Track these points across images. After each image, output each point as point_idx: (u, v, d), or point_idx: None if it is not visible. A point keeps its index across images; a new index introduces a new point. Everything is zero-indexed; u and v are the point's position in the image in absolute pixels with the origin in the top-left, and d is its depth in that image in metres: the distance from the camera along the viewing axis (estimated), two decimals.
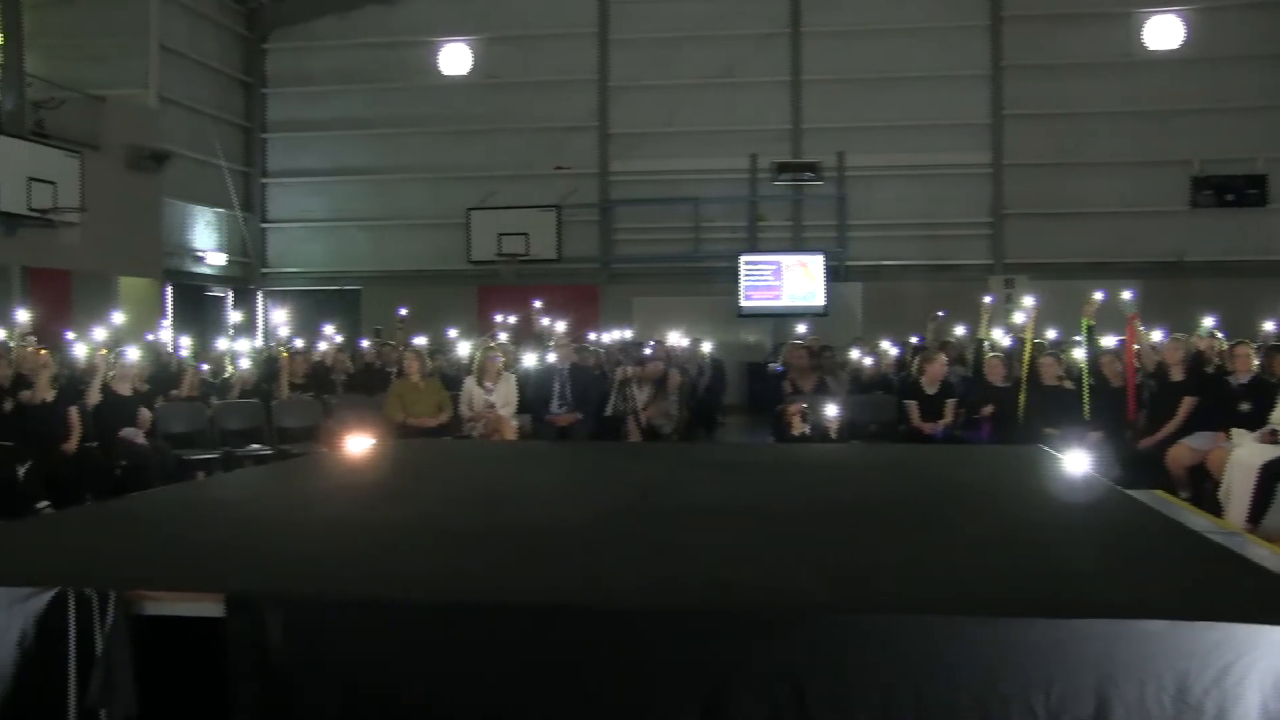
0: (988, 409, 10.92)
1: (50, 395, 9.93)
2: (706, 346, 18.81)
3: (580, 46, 23.19)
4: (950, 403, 11.25)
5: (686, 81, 22.69)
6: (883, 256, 22.54)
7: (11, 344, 12.04)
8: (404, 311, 18.00)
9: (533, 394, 11.47)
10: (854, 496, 5.77)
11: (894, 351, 14.79)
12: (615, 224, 23.48)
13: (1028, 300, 12.28)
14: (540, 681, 3.27)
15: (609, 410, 11.96)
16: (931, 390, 11.32)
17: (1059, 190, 21.99)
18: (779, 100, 22.80)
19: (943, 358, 11.83)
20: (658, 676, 3.22)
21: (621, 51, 23.20)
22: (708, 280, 22.66)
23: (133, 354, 11.32)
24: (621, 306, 22.78)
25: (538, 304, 17.01)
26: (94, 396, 10.28)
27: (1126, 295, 13.71)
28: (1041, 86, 22.01)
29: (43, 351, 10.74)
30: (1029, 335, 11.31)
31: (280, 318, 17.54)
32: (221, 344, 16.42)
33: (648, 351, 14.32)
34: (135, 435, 10.26)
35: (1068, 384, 10.82)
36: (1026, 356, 10.86)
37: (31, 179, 15.46)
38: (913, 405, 11.28)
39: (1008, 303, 19.77)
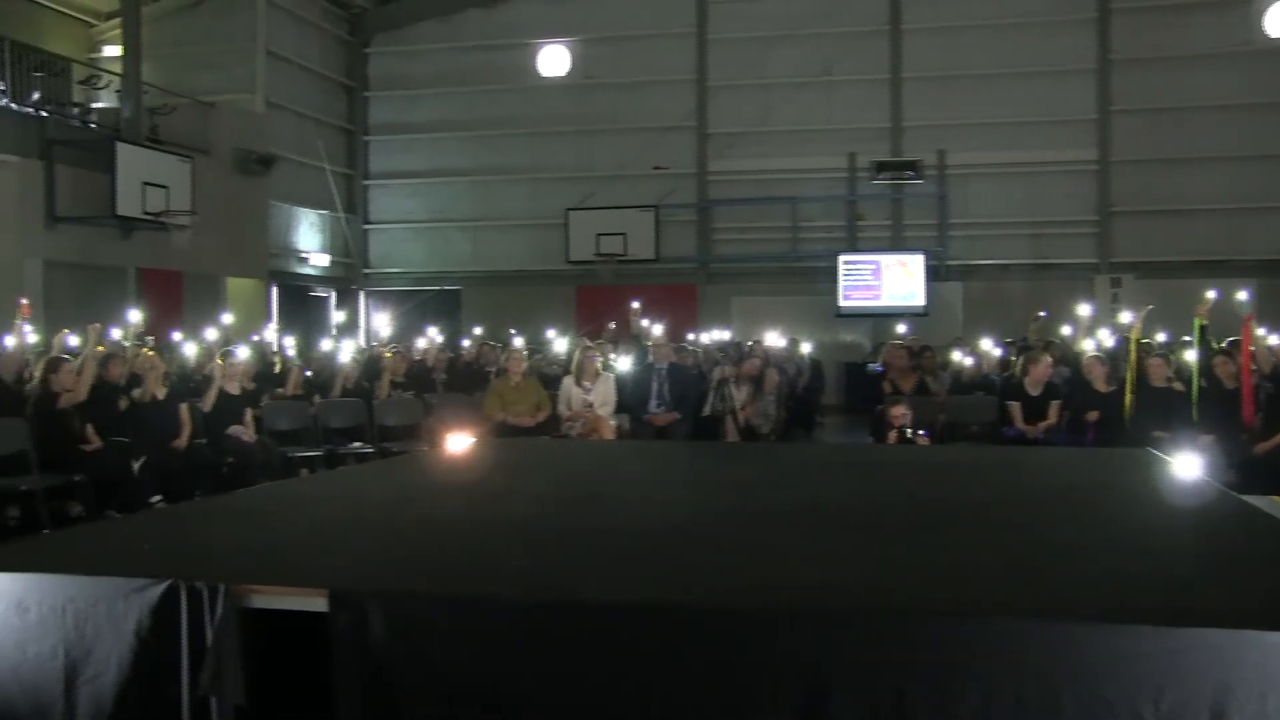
0: (1093, 415, 10.67)
1: (161, 393, 10.20)
2: (805, 347, 18.69)
3: (678, 46, 23.19)
4: (1054, 404, 11.02)
5: (784, 80, 22.55)
6: (984, 256, 22.17)
7: (127, 344, 12.39)
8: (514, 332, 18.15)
9: (631, 394, 11.48)
10: (954, 498, 5.67)
11: (995, 352, 14.53)
12: (713, 224, 23.43)
13: (1125, 317, 11.95)
14: (636, 682, 3.26)
15: (707, 410, 11.93)
16: (1035, 392, 11.10)
17: (1168, 186, 21.39)
18: (878, 98, 22.56)
19: (1047, 358, 11.60)
20: (754, 679, 3.19)
21: (719, 51, 23.14)
22: (806, 280, 22.52)
23: (243, 354, 11.60)
24: (720, 306, 22.74)
25: (635, 305, 17.04)
26: (209, 402, 10.54)
27: (1242, 295, 13.29)
28: (1151, 79, 21.43)
29: (150, 352, 11.03)
30: (1136, 336, 11.02)
31: (383, 320, 17.84)
32: (325, 344, 16.73)
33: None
34: (242, 433, 10.50)
35: (1177, 385, 10.52)
36: (1133, 357, 10.59)
37: (146, 183, 15.91)
38: (1015, 406, 11.07)
39: (1114, 303, 19.34)
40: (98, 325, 10.01)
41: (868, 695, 3.11)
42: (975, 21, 21.90)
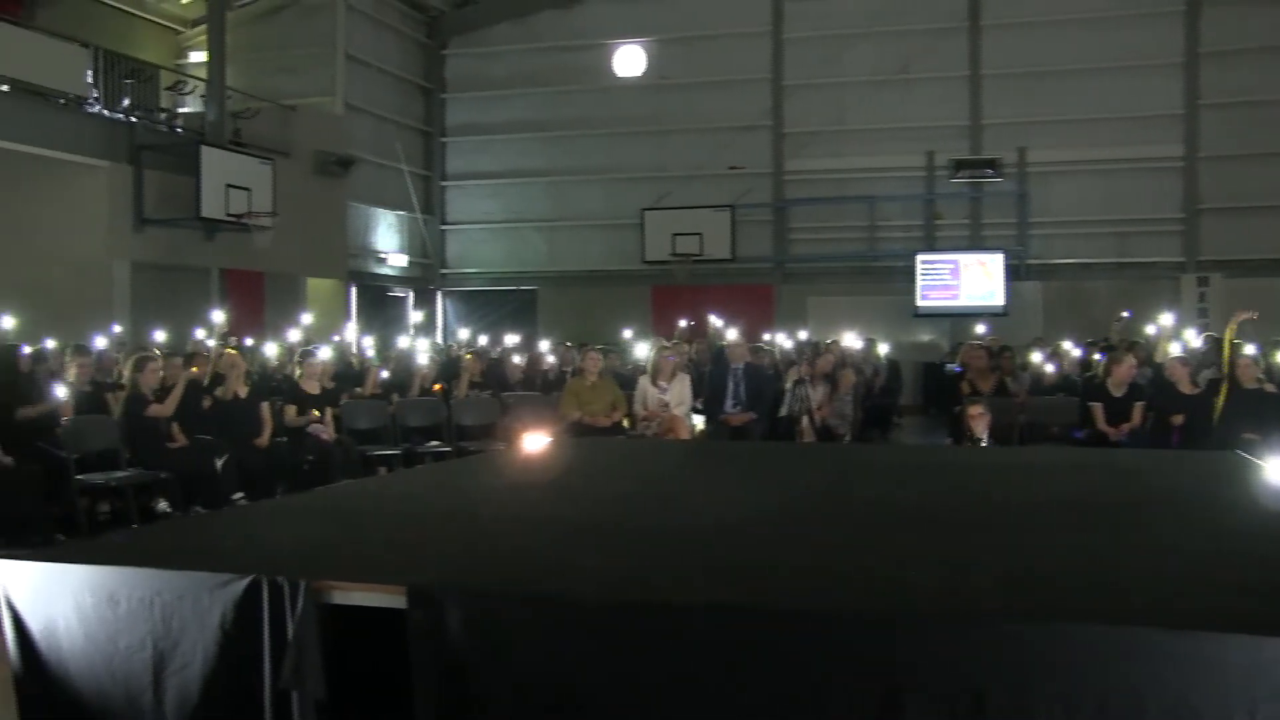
0: (1177, 418, 10.43)
1: (243, 392, 10.38)
2: (883, 347, 18.53)
3: (754, 45, 23.12)
4: (1138, 406, 10.81)
5: (861, 79, 22.37)
6: (1065, 255, 21.82)
7: (212, 343, 12.63)
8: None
9: (707, 393, 11.46)
10: (1035, 500, 5.58)
11: (1076, 352, 14.28)
12: (789, 223, 23.33)
13: (1195, 341, 11.64)
14: (711, 683, 3.25)
15: (783, 410, 11.87)
16: (1118, 393, 10.89)
17: (1260, 182, 20.80)
18: (956, 96, 22.29)
19: (1131, 359, 11.37)
20: (830, 681, 3.16)
21: (795, 50, 23.03)
22: (883, 280, 22.33)
23: (324, 354, 11.76)
24: (796, 307, 22.62)
25: (714, 320, 16.96)
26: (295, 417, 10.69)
27: None
28: (1242, 72, 20.86)
29: (231, 351, 11.22)
30: (1230, 336, 10.75)
31: (461, 321, 17.98)
32: (403, 343, 16.91)
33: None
34: (321, 431, 10.64)
35: (1269, 387, 10.25)
36: (1226, 357, 10.33)
37: (229, 186, 16.21)
38: (1098, 408, 10.87)
39: (1201, 302, 18.93)
40: (193, 370, 10.10)
41: (946, 699, 3.07)
42: (1057, 16, 21.53)
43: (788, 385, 12.10)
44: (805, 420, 11.68)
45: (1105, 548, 4.22)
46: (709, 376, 11.90)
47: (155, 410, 9.45)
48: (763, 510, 5.17)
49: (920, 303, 21.75)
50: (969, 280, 21.56)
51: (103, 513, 9.17)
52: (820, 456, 8.56)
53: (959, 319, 21.40)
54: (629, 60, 23.63)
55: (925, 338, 22.41)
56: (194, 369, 10.04)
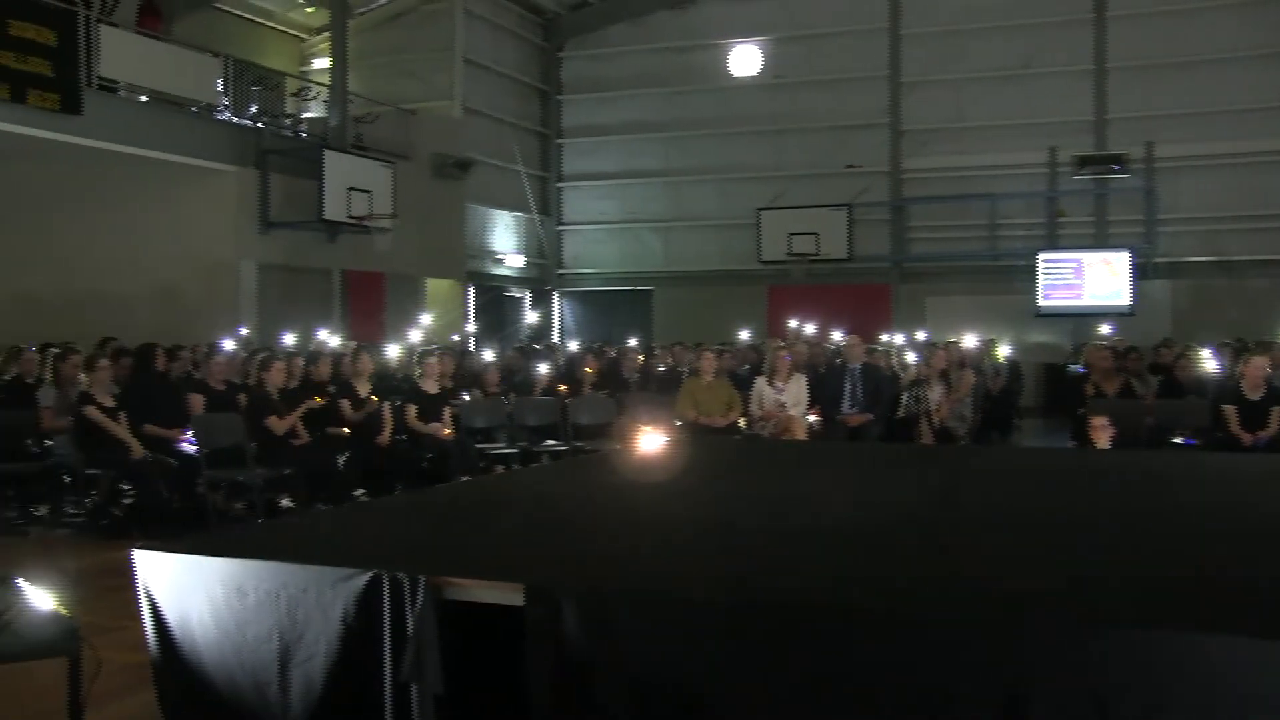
0: None
1: (365, 391, 10.59)
2: (1004, 348, 18.16)
3: (871, 42, 22.83)
4: (1276, 410, 10.40)
5: (981, 74, 21.94)
6: (1195, 252, 21.09)
7: (335, 344, 12.92)
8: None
9: (823, 394, 11.38)
10: (1162, 507, 5.42)
11: (1206, 353, 13.81)
12: (907, 222, 23.00)
13: None
14: (829, 686, 3.22)
15: (900, 411, 11.71)
16: (1254, 396, 10.49)
17: None
18: (1080, 90, 21.72)
19: (1264, 360, 10.95)
20: (950, 687, 3.12)
21: (913, 46, 22.68)
22: (1004, 279, 21.88)
23: (439, 354, 11.94)
24: (914, 307, 22.28)
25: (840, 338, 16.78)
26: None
27: None
28: None
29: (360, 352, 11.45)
30: None
31: (577, 321, 18.09)
32: (520, 343, 17.11)
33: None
34: (440, 430, 10.80)
35: None
36: None
37: (351, 188, 16.56)
38: (1231, 411, 10.49)
39: None
40: (316, 400, 10.28)
41: (1068, 706, 3.00)
42: (1187, 5, 20.85)
43: (905, 386, 11.94)
44: (923, 421, 11.51)
45: (1231, 558, 4.07)
46: (826, 377, 11.80)
47: (273, 424, 9.68)
48: (882, 513, 5.10)
49: (1042, 303, 21.26)
50: (1093, 279, 21.02)
51: (238, 508, 9.43)
52: (938, 459, 8.44)
53: (1082, 319, 20.85)
54: (744, 59, 23.53)
55: (1047, 338, 21.85)
56: (316, 399, 10.18)
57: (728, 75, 23.18)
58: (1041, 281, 21.20)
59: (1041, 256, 21.36)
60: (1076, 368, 14.75)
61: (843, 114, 22.94)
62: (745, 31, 23.25)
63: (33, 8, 13.44)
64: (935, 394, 11.75)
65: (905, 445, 10.66)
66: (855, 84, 22.96)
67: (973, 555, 4.13)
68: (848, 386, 11.25)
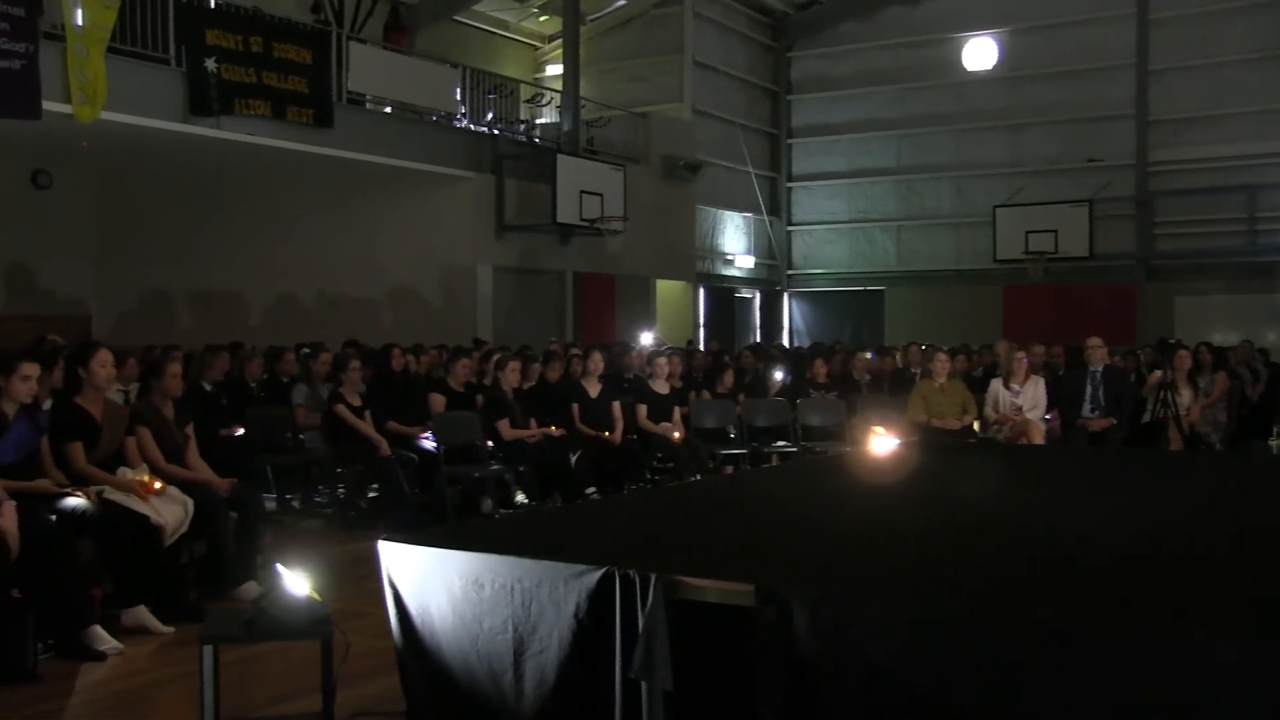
0: None
1: (595, 391, 10.78)
2: (1264, 350, 17.04)
3: (1115, 29, 21.79)
4: None
5: (1238, 58, 20.63)
6: None
7: (562, 344, 13.19)
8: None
9: (1064, 397, 10.95)
10: None
11: None
12: (1155, 217, 21.86)
13: None
14: (1072, 700, 3.08)
15: (1146, 416, 11.15)
16: None
17: None
18: None
19: None
20: (1195, 703, 2.93)
21: (1162, 31, 21.50)
22: (1264, 277, 20.49)
23: (669, 354, 12.06)
24: (1161, 306, 21.16)
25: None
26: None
27: None
28: None
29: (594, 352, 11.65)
30: None
31: (807, 322, 17.94)
32: (752, 344, 17.09)
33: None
34: (670, 431, 10.89)
35: None
36: None
37: (583, 192, 16.91)
38: None
39: None
40: (553, 429, 10.47)
41: None
42: None
43: (1151, 389, 11.36)
44: (1172, 427, 10.91)
45: None
46: (1066, 379, 11.35)
47: (504, 429, 9.93)
48: (1125, 524, 4.85)
49: None
50: None
51: (487, 504, 9.72)
52: (1187, 467, 7.98)
53: None
54: (979, 53, 22.84)
55: None
56: (553, 429, 10.36)
57: (962, 69, 22.51)
58: None
59: None
60: None
61: (1084, 106, 21.98)
62: (979, 24, 22.51)
63: (294, 31, 14.32)
64: (1184, 397, 11.13)
65: (1151, 452, 10.14)
66: (1098, 74, 21.97)
67: (1228, 572, 3.88)
68: (1089, 389, 10.79)
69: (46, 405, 6.52)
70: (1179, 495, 5.82)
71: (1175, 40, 21.27)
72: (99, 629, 5.57)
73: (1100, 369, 10.93)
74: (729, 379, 12.45)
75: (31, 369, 5.97)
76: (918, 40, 23.47)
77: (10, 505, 5.40)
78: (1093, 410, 10.77)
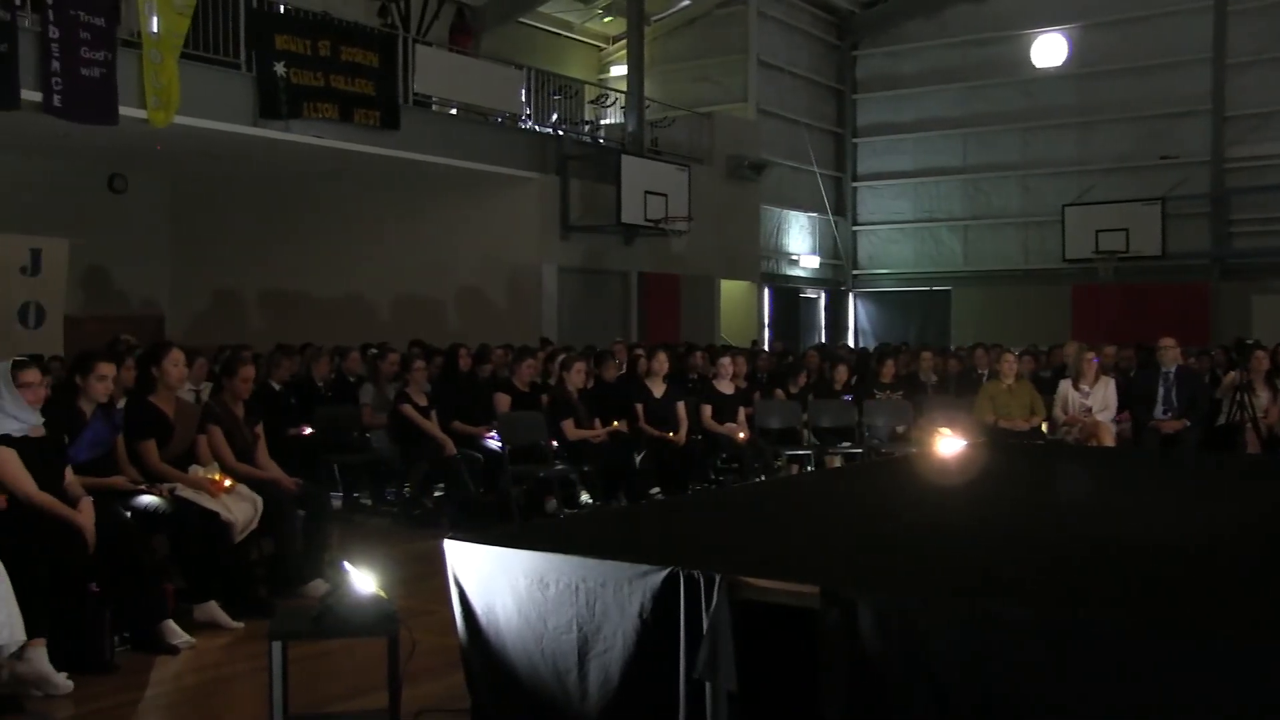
0: None
1: (659, 391, 10.77)
2: None
3: (1191, 23, 21.35)
4: None
5: None
6: None
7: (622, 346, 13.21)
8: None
9: (1135, 398, 10.78)
10: None
11: None
12: (1230, 215, 21.43)
13: None
14: (1152, 711, 3.03)
15: (1221, 419, 10.93)
16: None
17: None
18: None
19: None
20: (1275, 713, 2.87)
21: (1242, 23, 21.00)
22: None
23: (734, 355, 12.03)
24: (1237, 306, 20.72)
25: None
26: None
27: None
28: None
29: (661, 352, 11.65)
30: None
31: (873, 322, 17.80)
32: (816, 344, 17.00)
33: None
34: (735, 432, 10.86)
35: None
36: None
37: (647, 192, 16.92)
38: None
39: None
40: (615, 425, 10.46)
41: None
42: None
43: (1224, 390, 11.13)
44: (1249, 429, 10.69)
45: None
46: (1137, 380, 11.16)
47: (569, 429, 9.96)
48: (1197, 529, 4.76)
49: None
50: None
51: (551, 504, 9.77)
52: (1265, 470, 7.82)
53: None
54: (1048, 49, 22.51)
55: None
56: (615, 424, 10.34)
57: (1030, 66, 22.19)
58: None
59: None
60: None
61: (1157, 102, 21.58)
62: (1049, 20, 22.21)
63: (361, 34, 14.50)
64: (1262, 399, 10.90)
65: (1226, 455, 9.94)
66: (1172, 69, 21.56)
67: None
68: (1161, 390, 10.60)
69: (120, 404, 6.65)
70: (1257, 499, 5.70)
71: (1256, 32, 20.80)
72: (172, 623, 5.69)
73: (1173, 370, 10.74)
74: (802, 379, 12.41)
75: (108, 369, 6.11)
76: (985, 37, 23.20)
77: (88, 501, 5.52)
78: (1165, 412, 10.58)
